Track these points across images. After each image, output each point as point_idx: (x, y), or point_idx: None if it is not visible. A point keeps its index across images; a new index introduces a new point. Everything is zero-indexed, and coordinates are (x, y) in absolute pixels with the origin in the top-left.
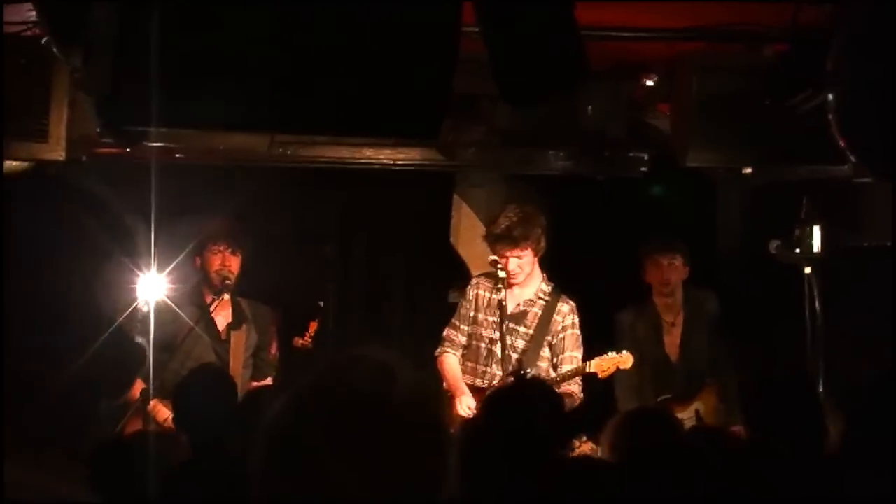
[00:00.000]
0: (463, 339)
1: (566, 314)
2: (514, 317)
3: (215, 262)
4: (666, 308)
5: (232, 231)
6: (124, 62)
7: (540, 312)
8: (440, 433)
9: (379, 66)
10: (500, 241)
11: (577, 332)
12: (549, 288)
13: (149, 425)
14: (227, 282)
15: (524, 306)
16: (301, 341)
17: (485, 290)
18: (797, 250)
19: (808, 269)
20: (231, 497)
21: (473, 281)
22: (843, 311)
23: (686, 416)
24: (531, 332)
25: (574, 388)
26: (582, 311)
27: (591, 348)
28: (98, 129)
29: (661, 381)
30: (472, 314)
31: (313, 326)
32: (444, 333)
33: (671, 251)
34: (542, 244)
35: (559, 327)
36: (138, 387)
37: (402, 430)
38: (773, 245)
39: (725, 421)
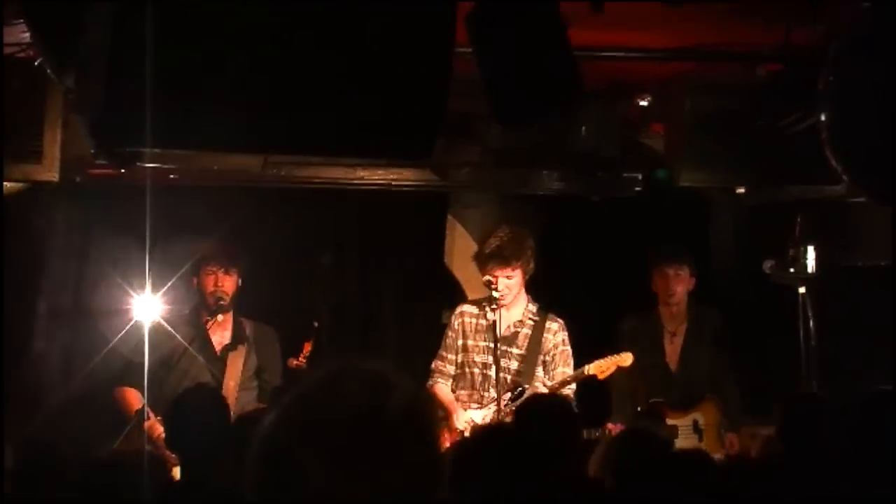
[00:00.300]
0: (451, 369)
1: (556, 332)
2: (505, 339)
3: (209, 283)
4: (669, 317)
5: (226, 251)
6: (118, 84)
7: (530, 333)
8: (435, 445)
9: (372, 87)
10: (491, 260)
11: (568, 348)
12: (536, 308)
13: (144, 443)
14: (221, 302)
15: (514, 328)
16: (296, 362)
17: (470, 317)
18: (791, 270)
19: (802, 289)
20: None
21: (457, 310)
22: (837, 329)
23: (682, 423)
24: (524, 352)
25: (570, 394)
26: (576, 329)
27: (588, 361)
28: (92, 151)
29: (658, 388)
30: (460, 342)
31: (308, 347)
32: (433, 365)
33: (678, 262)
34: (532, 265)
35: (550, 345)
36: (136, 404)
37: (398, 442)
38: (767, 265)
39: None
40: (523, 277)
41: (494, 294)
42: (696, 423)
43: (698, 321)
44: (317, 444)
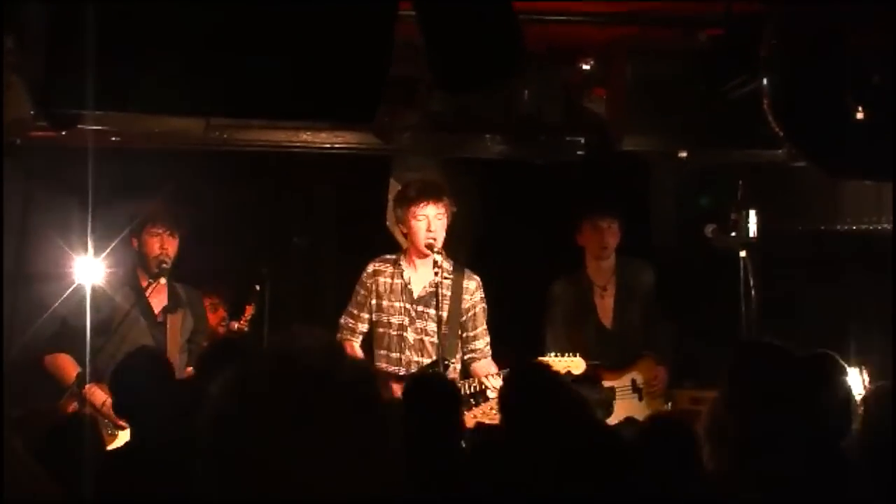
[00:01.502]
0: (362, 327)
1: (473, 291)
2: (422, 299)
3: (154, 245)
4: (598, 272)
5: (171, 214)
6: (59, 44)
7: (449, 293)
8: (385, 411)
9: (314, 50)
10: (423, 194)
11: (484, 304)
12: (451, 265)
13: (84, 409)
14: (164, 265)
15: (431, 287)
16: (237, 325)
17: (384, 277)
18: (733, 234)
19: (743, 253)
20: (173, 480)
21: (370, 268)
22: (778, 294)
23: (619, 384)
24: (444, 314)
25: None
26: (519, 293)
27: (528, 328)
28: (32, 112)
29: (595, 346)
30: (373, 301)
31: (249, 310)
32: (341, 321)
33: (611, 215)
34: (453, 207)
35: (468, 305)
36: (71, 369)
37: (349, 407)
38: (709, 229)
39: None
40: (447, 221)
41: (436, 258)
42: (634, 383)
43: (629, 275)
44: (271, 405)
